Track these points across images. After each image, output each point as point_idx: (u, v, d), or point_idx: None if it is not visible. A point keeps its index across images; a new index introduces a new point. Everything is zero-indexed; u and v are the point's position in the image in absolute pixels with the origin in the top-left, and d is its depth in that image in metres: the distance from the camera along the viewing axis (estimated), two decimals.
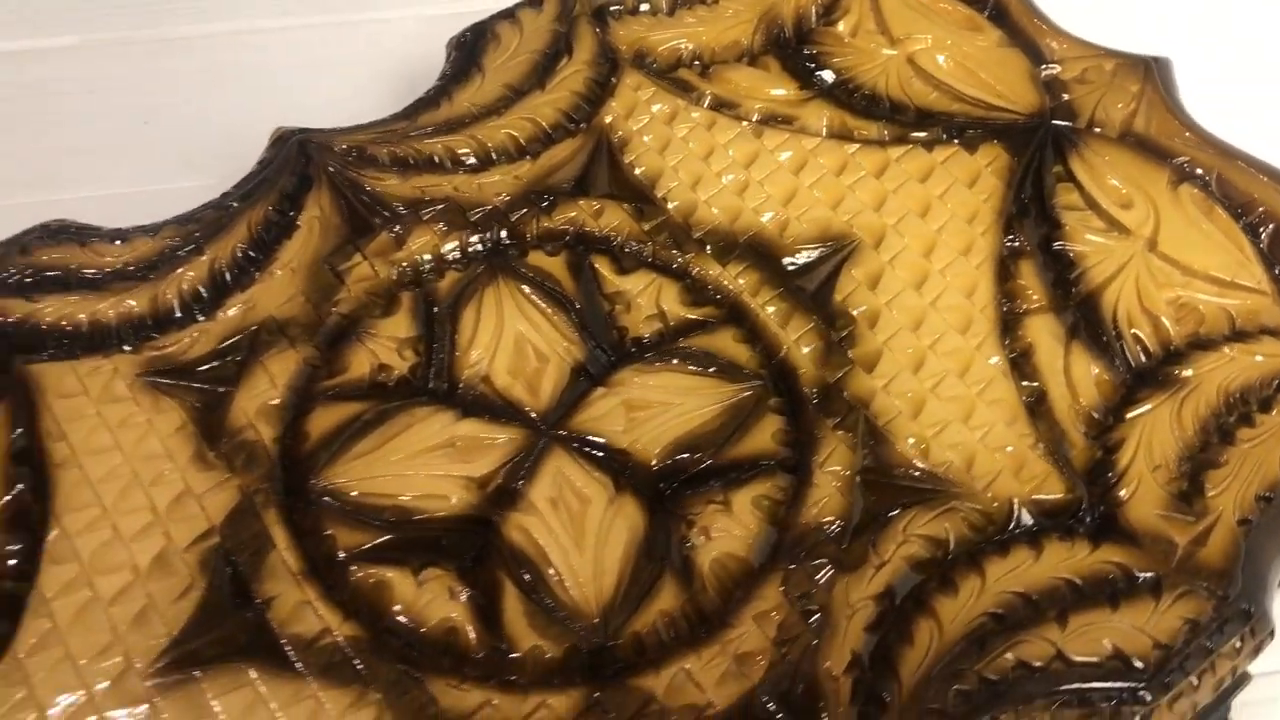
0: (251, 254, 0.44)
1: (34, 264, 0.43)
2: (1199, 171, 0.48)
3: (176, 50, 0.64)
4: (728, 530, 0.39)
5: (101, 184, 0.58)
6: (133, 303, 0.43)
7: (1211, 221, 0.47)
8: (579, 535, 0.38)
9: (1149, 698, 0.36)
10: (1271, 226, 0.47)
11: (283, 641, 0.36)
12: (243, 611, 0.36)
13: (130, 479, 0.39)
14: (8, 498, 0.38)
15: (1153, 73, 0.51)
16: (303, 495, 0.39)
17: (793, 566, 0.38)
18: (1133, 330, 0.44)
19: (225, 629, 0.36)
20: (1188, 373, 0.43)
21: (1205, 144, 0.49)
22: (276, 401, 0.41)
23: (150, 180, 0.58)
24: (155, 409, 0.40)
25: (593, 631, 0.37)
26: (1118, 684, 0.37)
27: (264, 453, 0.40)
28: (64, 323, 0.42)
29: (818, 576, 0.38)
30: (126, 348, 0.42)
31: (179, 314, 0.42)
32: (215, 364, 0.41)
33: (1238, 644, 0.38)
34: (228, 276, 0.43)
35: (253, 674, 0.35)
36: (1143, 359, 0.43)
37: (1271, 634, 0.39)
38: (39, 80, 0.61)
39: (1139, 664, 0.37)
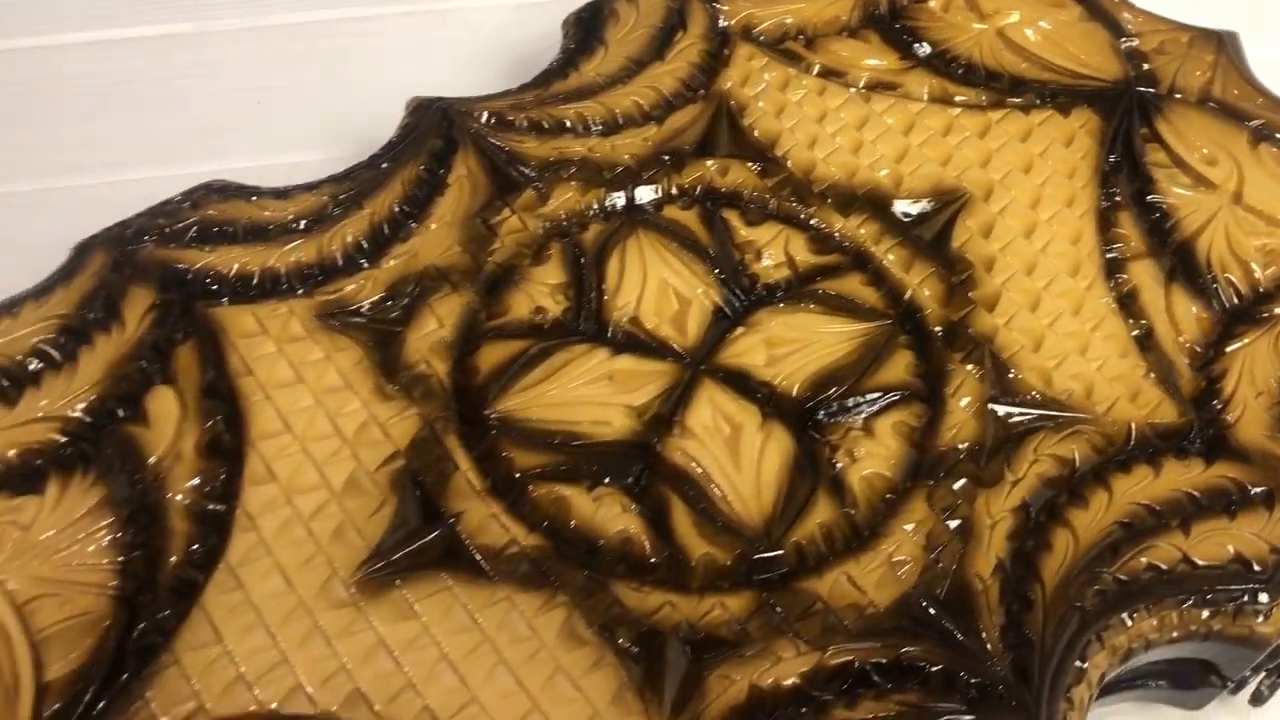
0: (406, 209, 0.47)
1: (205, 219, 0.46)
2: (1276, 133, 0.51)
3: (281, 36, 0.67)
4: (871, 452, 0.42)
5: (221, 159, 0.61)
6: (300, 254, 0.45)
7: None
8: (735, 457, 0.41)
9: (1267, 598, 0.40)
10: None
11: (473, 552, 0.39)
12: (434, 526, 0.39)
13: (316, 409, 0.42)
14: (206, 428, 0.41)
15: (1225, 44, 0.55)
16: (478, 423, 0.42)
17: (936, 483, 0.41)
18: (1225, 274, 0.47)
19: (419, 541, 0.39)
20: (1279, 310, 0.46)
21: (1277, 107, 0.52)
22: (447, 339, 0.44)
23: (265, 156, 0.61)
24: (333, 346, 0.43)
25: (757, 541, 0.40)
26: (1239, 585, 0.40)
27: (439, 385, 0.42)
28: (237, 271, 0.45)
29: (959, 492, 0.41)
30: (299, 292, 0.45)
31: (344, 263, 0.45)
32: (386, 306, 0.44)
33: None
34: (386, 229, 0.46)
35: (448, 580, 0.38)
36: (1235, 300, 0.47)
37: None
38: (159, 65, 0.64)
39: (1258, 567, 0.40)
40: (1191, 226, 0.48)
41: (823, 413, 0.43)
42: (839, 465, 0.42)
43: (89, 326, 0.43)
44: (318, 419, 0.41)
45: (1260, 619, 0.40)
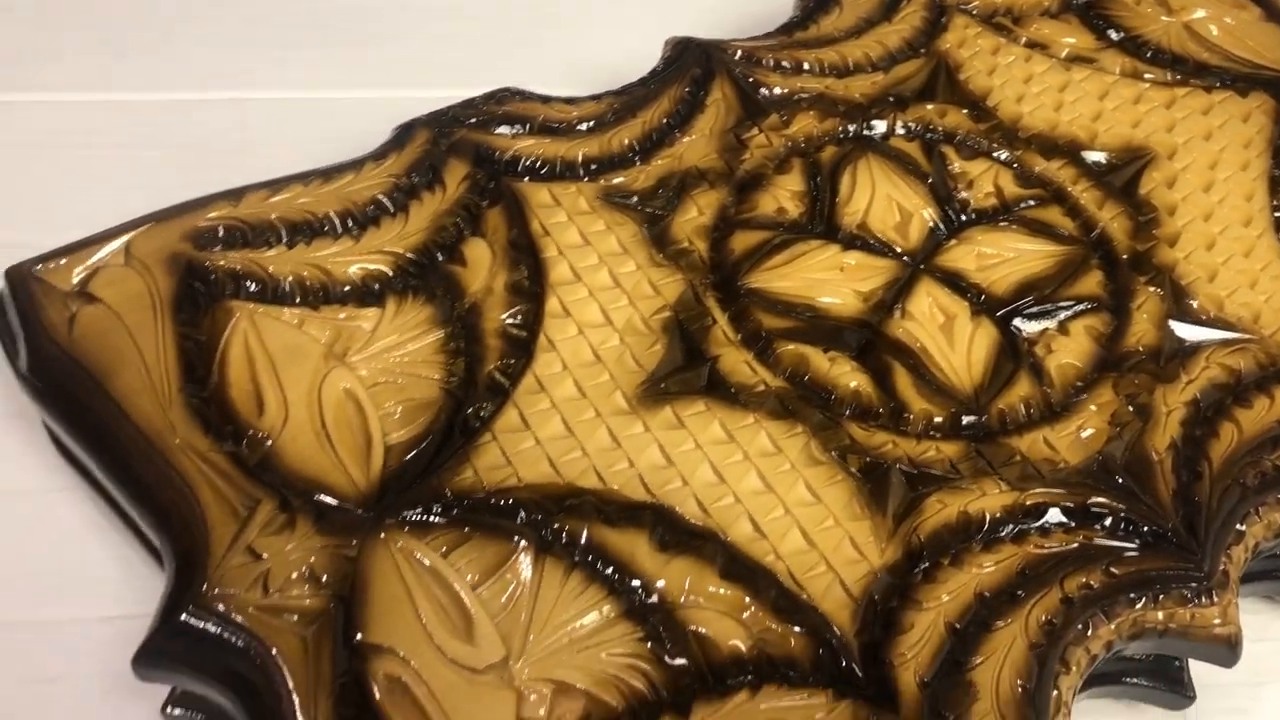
0: (672, 121, 0.56)
1: (507, 113, 0.55)
2: None
3: None
4: (1065, 347, 0.49)
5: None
6: (585, 148, 0.54)
7: None
8: (949, 338, 0.49)
9: None
10: None
11: (729, 385, 0.47)
12: (698, 362, 0.47)
13: (601, 267, 0.50)
14: (513, 272, 0.50)
15: None
16: (732, 291, 0.50)
17: (1120, 375, 0.48)
18: None
19: (687, 372, 0.47)
20: None
21: None
22: (706, 224, 0.52)
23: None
24: (613, 221, 0.52)
25: (968, 403, 0.47)
26: None
27: (699, 259, 0.51)
28: (536, 156, 0.54)
29: (1140, 383, 0.48)
30: (585, 178, 0.53)
31: (621, 158, 0.54)
32: (655, 194, 0.53)
33: None
34: (655, 136, 0.55)
35: (708, 404, 0.46)
36: None
37: None
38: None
39: None
40: None
41: (1024, 314, 0.50)
42: (1038, 354, 0.49)
43: (417, 186, 0.52)
44: (602, 274, 0.50)
45: None
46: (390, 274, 0.49)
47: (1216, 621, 0.43)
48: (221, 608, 0.40)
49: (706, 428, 0.46)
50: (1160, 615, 0.43)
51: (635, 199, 0.53)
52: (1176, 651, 0.45)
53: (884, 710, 0.40)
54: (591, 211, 0.52)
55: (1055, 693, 0.41)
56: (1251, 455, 0.47)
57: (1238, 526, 0.45)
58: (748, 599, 0.42)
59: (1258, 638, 0.52)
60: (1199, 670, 0.50)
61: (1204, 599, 0.43)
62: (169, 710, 0.44)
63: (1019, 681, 0.41)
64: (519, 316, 0.48)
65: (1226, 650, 0.44)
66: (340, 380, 0.46)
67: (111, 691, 0.46)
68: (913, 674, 0.41)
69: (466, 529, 0.43)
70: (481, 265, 0.50)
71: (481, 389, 0.46)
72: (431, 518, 0.43)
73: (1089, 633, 0.42)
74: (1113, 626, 0.43)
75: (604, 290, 0.50)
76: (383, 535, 0.42)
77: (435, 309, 0.49)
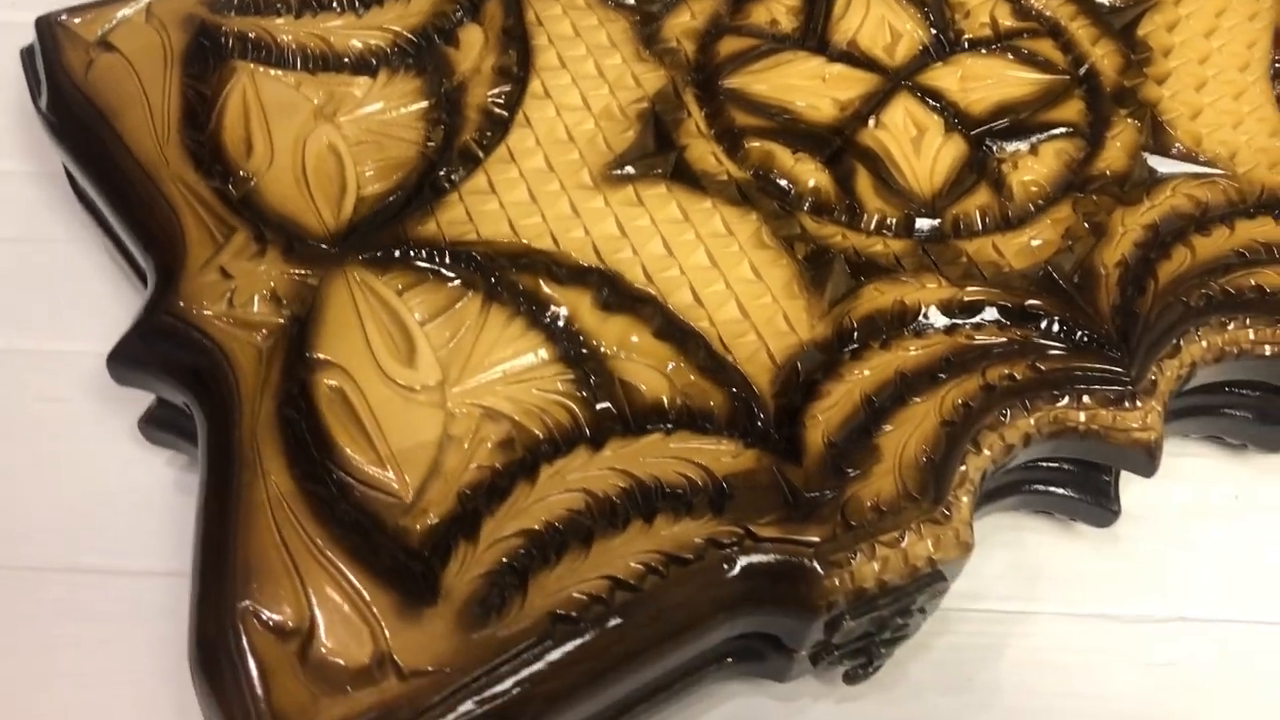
0: None
1: None
2: None
3: None
4: (1032, 167, 0.50)
5: None
6: None
7: None
8: (917, 148, 0.50)
9: None
10: None
11: (694, 173, 0.49)
12: (667, 149, 0.49)
13: (587, 57, 0.52)
14: (503, 56, 0.52)
15: None
16: (712, 90, 0.52)
17: (1082, 194, 0.49)
18: None
19: (654, 157, 0.49)
20: None
21: None
22: (698, 27, 0.53)
23: None
24: (606, 17, 0.53)
25: (923, 206, 0.48)
26: None
27: (685, 59, 0.52)
28: None
29: (1100, 203, 0.49)
30: None
31: None
32: None
33: None
34: None
35: (670, 188, 0.48)
36: None
37: None
38: None
39: None
40: None
41: (997, 134, 0.51)
42: (1003, 170, 0.50)
43: None
44: (588, 64, 0.52)
45: None
46: (387, 49, 0.52)
47: (1136, 426, 0.44)
48: (190, 316, 0.44)
49: (664, 207, 0.48)
50: (1082, 416, 0.44)
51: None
52: (1098, 456, 0.46)
53: (787, 461, 0.42)
54: (587, 8, 0.54)
55: (962, 469, 0.42)
56: (1201, 278, 0.47)
57: (1175, 342, 0.46)
58: (676, 357, 0.44)
59: (1202, 479, 0.53)
60: (1146, 501, 0.52)
61: (1127, 403, 0.44)
62: (145, 425, 0.48)
63: (925, 451, 0.42)
64: (502, 96, 0.51)
65: (1145, 457, 0.44)
66: (325, 135, 0.49)
67: (100, 409, 0.51)
68: (821, 434, 0.42)
69: (422, 272, 0.45)
70: (473, 48, 0.52)
71: (456, 155, 0.49)
72: (391, 258, 0.45)
73: (1006, 420, 0.43)
74: (1032, 420, 0.44)
75: (587, 79, 0.51)
76: (344, 268, 0.45)
77: (424, 83, 0.51)
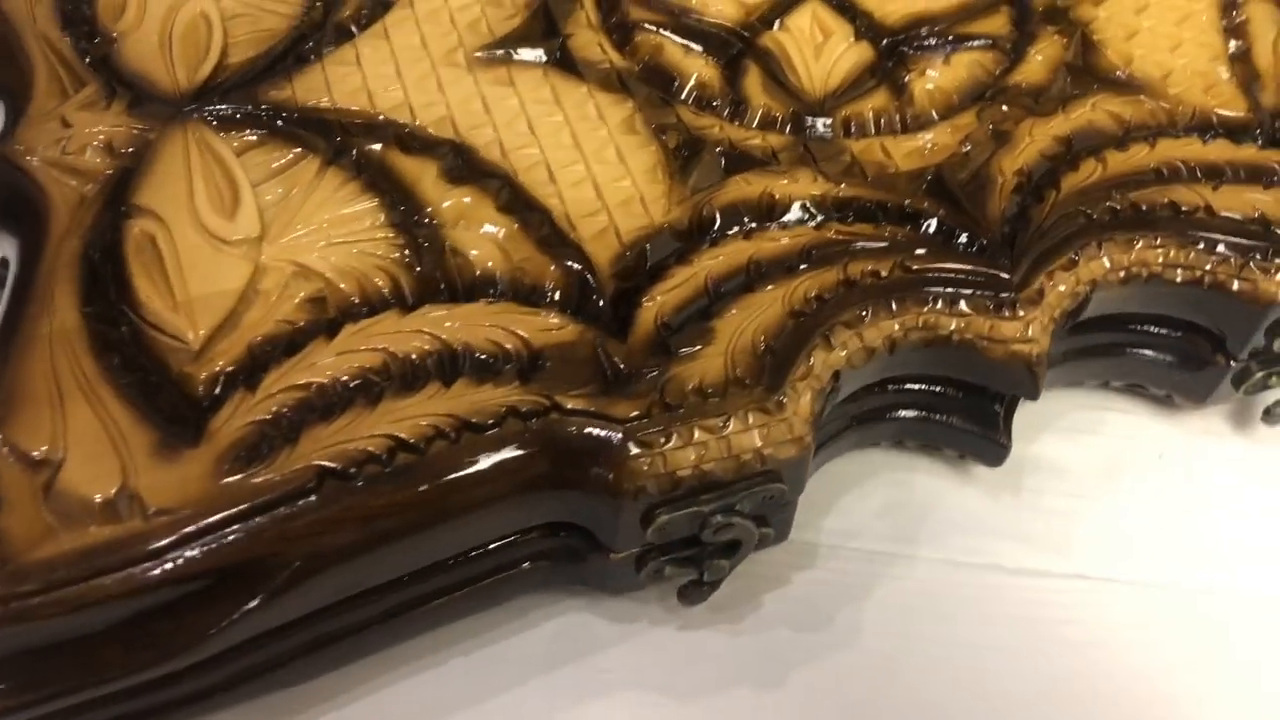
0: None
1: None
2: None
3: None
4: (942, 74, 0.46)
5: None
6: None
7: None
8: (818, 52, 0.47)
9: (1278, 259, 0.41)
10: None
11: (575, 61, 0.46)
12: (551, 38, 0.47)
13: None
14: None
15: None
16: None
17: (989, 103, 0.45)
18: None
19: (535, 42, 0.46)
20: None
21: None
22: None
23: None
24: None
25: (813, 105, 0.45)
26: (1255, 241, 0.42)
27: None
28: None
29: (1009, 114, 0.45)
30: None
31: None
32: None
33: None
34: None
35: (547, 73, 0.46)
36: None
37: None
38: None
39: (1278, 230, 0.42)
40: None
41: (912, 43, 0.48)
42: (909, 77, 0.46)
43: None
44: None
45: (1267, 275, 0.41)
46: None
47: (1015, 336, 0.40)
48: (18, 159, 0.42)
49: (536, 90, 0.45)
50: (955, 322, 0.40)
51: None
52: (978, 374, 0.42)
53: (612, 337, 0.38)
54: None
55: (808, 363, 0.38)
56: (1109, 189, 0.43)
57: (1072, 256, 0.41)
58: (517, 230, 0.41)
59: (1124, 435, 0.48)
60: (1061, 455, 0.47)
61: (1006, 310, 0.40)
62: None
63: (763, 338, 0.38)
64: None
65: (1025, 373, 0.40)
66: (201, 5, 0.47)
67: None
68: (654, 315, 0.39)
69: (266, 134, 0.43)
70: None
71: (329, 31, 0.47)
72: (236, 119, 0.43)
73: (867, 318, 0.39)
74: (897, 324, 0.40)
75: None
76: (185, 125, 0.43)
77: None
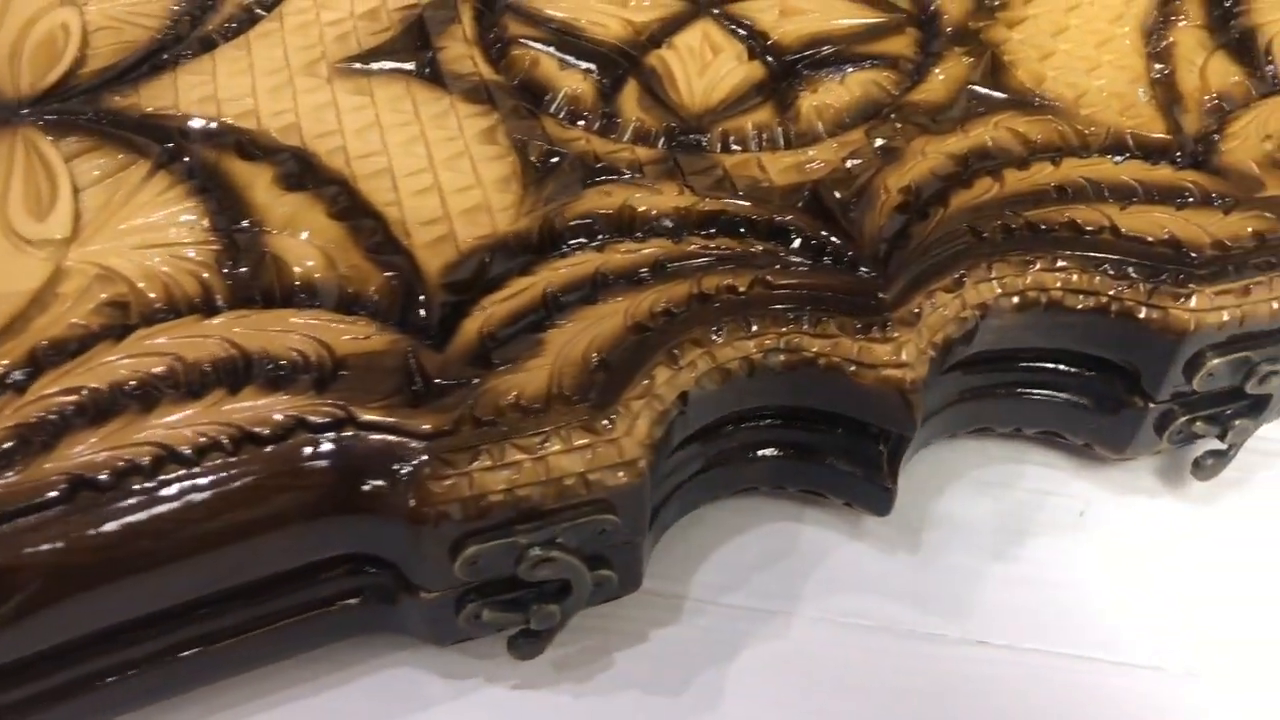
0: None
1: None
2: None
3: None
4: (833, 92, 0.43)
5: None
6: None
7: None
8: (703, 66, 0.44)
9: (1190, 284, 0.37)
10: None
11: (443, 73, 0.43)
12: (421, 51, 0.44)
13: None
14: None
15: None
16: (493, 4, 0.46)
17: (881, 120, 0.42)
18: None
19: (402, 55, 0.44)
20: None
21: None
22: None
23: None
24: None
25: (689, 121, 0.42)
26: (1164, 264, 0.38)
27: None
28: None
29: (901, 130, 0.41)
30: None
31: None
32: None
33: None
34: None
35: (411, 84, 0.43)
36: None
37: None
38: None
39: (1190, 252, 0.38)
40: (1263, 18, 0.46)
41: (808, 64, 0.44)
42: (798, 94, 0.43)
43: None
44: None
45: (1178, 301, 0.37)
46: None
47: (887, 360, 0.36)
48: None
49: (395, 101, 0.42)
50: (820, 344, 0.36)
51: None
52: (851, 406, 0.37)
53: (428, 348, 0.35)
54: None
55: (648, 381, 0.34)
56: (1002, 207, 0.39)
57: (957, 275, 0.37)
58: (346, 238, 0.38)
59: (1041, 490, 0.43)
60: (968, 511, 0.43)
61: (877, 330, 0.36)
62: None
63: (596, 352, 0.34)
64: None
65: (898, 401, 0.36)
66: (63, 16, 0.45)
67: None
68: (480, 325, 0.35)
69: (101, 139, 0.41)
70: None
71: (192, 42, 0.45)
72: (73, 124, 0.41)
73: (719, 336, 0.35)
74: (754, 344, 0.36)
75: None
76: (16, 128, 0.41)
77: None
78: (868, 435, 0.39)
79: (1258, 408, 0.40)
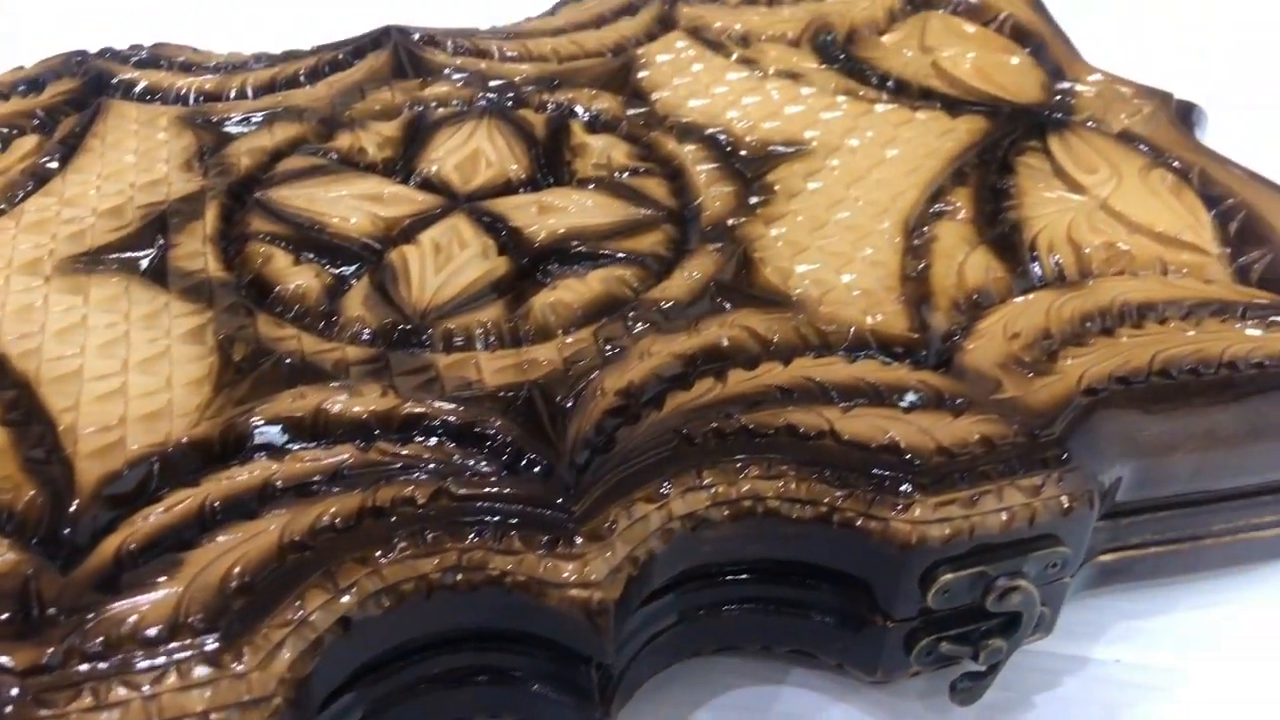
0: (308, 74, 0.53)
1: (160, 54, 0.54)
2: (1180, 165, 0.48)
3: None
4: (572, 289, 0.41)
5: None
6: (209, 85, 0.52)
7: (1178, 199, 0.46)
8: (443, 263, 0.42)
9: (910, 489, 0.35)
10: (1243, 214, 0.45)
11: (169, 268, 0.42)
12: (149, 247, 0.43)
13: (136, 166, 0.47)
14: (42, 158, 0.47)
15: (1170, 103, 0.52)
16: (243, 200, 0.45)
17: (611, 320, 0.40)
18: (1054, 256, 0.43)
19: (135, 249, 0.42)
20: (1090, 282, 0.42)
21: (1203, 152, 0.49)
22: (267, 146, 0.48)
23: None
24: (178, 134, 0.49)
25: (411, 319, 0.40)
26: (884, 471, 0.35)
27: (235, 169, 0.47)
28: (152, 85, 0.52)
29: (631, 331, 0.39)
30: (188, 104, 0.51)
31: (238, 94, 0.52)
32: (239, 119, 0.50)
33: (1038, 482, 0.35)
34: (280, 82, 0.52)
35: (130, 283, 0.41)
36: (1055, 275, 0.43)
37: (1090, 498, 0.36)
38: None
39: (914, 458, 0.35)
40: (1032, 212, 0.45)
41: (558, 260, 0.43)
42: (535, 292, 0.41)
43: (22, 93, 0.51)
44: (127, 174, 0.47)
45: (898, 511, 0.34)
46: None
47: (571, 578, 0.33)
48: None
49: (110, 302, 0.41)
50: (502, 561, 0.33)
51: (214, 119, 0.50)
52: (545, 627, 0.34)
53: (56, 569, 0.32)
54: (164, 128, 0.49)
55: (297, 605, 0.31)
56: (717, 411, 0.37)
57: (661, 485, 0.35)
58: (9, 445, 0.35)
59: (794, 716, 0.40)
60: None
61: (563, 546, 0.33)
62: None
63: (241, 574, 0.32)
64: (19, 194, 0.46)
65: (585, 624, 0.33)
66: None
67: None
68: (120, 543, 0.32)
69: None
70: (17, 151, 0.48)
71: None
72: None
73: (391, 553, 0.33)
74: (435, 560, 0.33)
75: (111, 179, 0.46)
76: None
77: None
78: (577, 657, 0.35)
79: (1010, 626, 0.37)
